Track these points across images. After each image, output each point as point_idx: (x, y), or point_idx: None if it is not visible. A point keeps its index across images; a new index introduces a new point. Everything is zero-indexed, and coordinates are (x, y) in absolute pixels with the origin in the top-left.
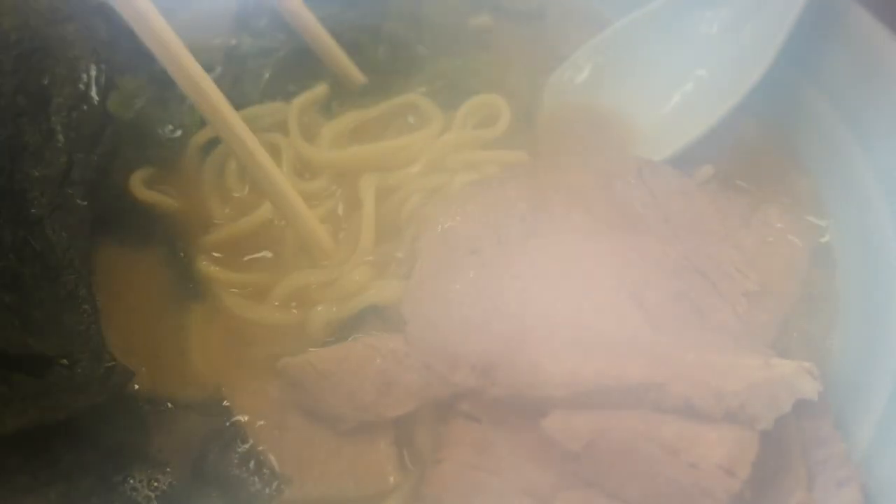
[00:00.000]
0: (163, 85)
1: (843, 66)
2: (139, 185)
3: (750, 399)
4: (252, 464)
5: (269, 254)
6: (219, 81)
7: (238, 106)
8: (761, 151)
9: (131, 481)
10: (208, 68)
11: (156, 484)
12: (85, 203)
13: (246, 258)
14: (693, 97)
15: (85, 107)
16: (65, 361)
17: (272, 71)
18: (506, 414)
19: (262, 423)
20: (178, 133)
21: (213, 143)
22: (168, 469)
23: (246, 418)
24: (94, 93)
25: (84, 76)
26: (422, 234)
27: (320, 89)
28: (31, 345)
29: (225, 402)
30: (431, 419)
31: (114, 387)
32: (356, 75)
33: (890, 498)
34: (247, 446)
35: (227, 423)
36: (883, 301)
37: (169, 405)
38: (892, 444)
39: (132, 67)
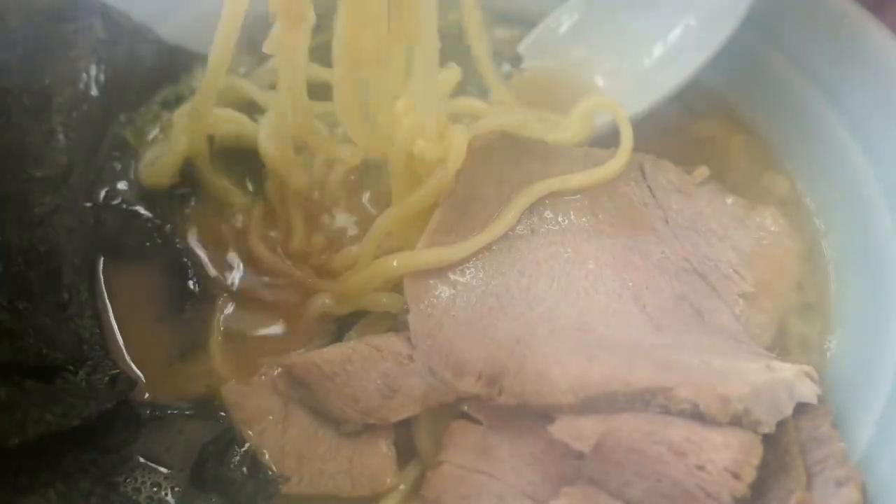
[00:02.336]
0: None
1: (848, 71)
2: None
3: (753, 403)
4: (252, 464)
5: None
6: None
7: None
8: (755, 153)
9: (131, 482)
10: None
11: (156, 485)
12: (86, 205)
13: None
14: (662, 57)
15: (85, 107)
16: (71, 368)
17: None
18: (507, 416)
19: (263, 421)
20: None
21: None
22: (168, 470)
23: (247, 417)
24: (94, 93)
25: (84, 76)
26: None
27: None
28: (46, 354)
29: (225, 403)
30: (432, 421)
31: (118, 394)
32: None
33: (889, 498)
34: (246, 446)
35: (228, 424)
36: (881, 301)
37: (169, 406)
38: (891, 444)
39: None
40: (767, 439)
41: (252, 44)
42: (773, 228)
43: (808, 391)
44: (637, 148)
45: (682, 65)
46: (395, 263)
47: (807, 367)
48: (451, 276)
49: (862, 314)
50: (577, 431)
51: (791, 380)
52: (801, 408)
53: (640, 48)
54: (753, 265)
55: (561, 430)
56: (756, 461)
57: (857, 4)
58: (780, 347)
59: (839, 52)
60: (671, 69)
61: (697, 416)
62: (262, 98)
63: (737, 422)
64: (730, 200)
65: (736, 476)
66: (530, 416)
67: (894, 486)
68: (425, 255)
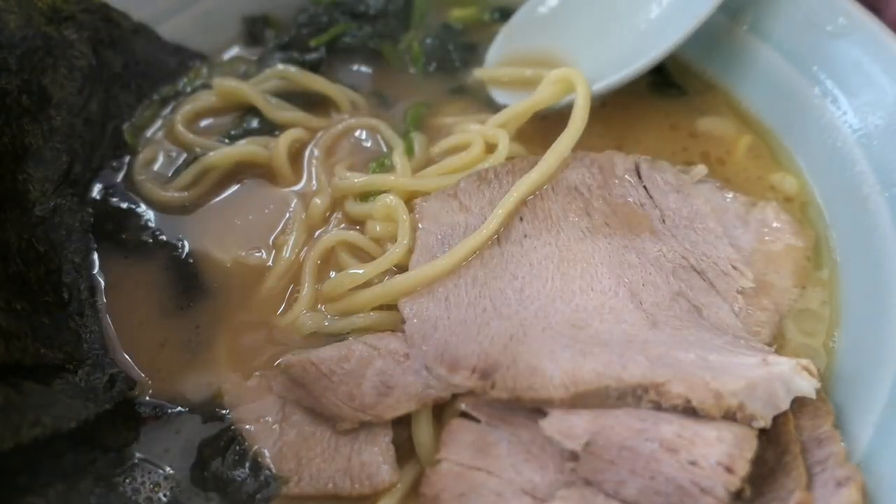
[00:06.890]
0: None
1: (849, 70)
2: None
3: (748, 397)
4: (251, 464)
5: None
6: None
7: None
8: (762, 152)
9: (131, 482)
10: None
11: (156, 485)
12: (85, 204)
13: None
14: (638, 31)
15: (85, 106)
16: (70, 367)
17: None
18: (505, 413)
19: (261, 421)
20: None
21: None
22: (168, 470)
23: (246, 417)
24: (93, 92)
25: (84, 76)
26: (418, 224)
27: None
28: (44, 354)
29: (225, 403)
30: (431, 419)
31: (118, 394)
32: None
33: (890, 498)
34: (245, 447)
35: (227, 424)
36: (883, 300)
37: (169, 406)
38: (892, 444)
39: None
40: (768, 439)
41: (252, 42)
42: (775, 225)
43: (806, 385)
44: (644, 147)
45: (656, 40)
46: (385, 289)
47: (805, 361)
48: (444, 285)
49: (863, 314)
50: (569, 429)
51: (788, 374)
52: (802, 408)
53: (619, 25)
54: (754, 262)
55: (552, 425)
56: (750, 455)
57: (857, 5)
58: (780, 345)
59: (840, 51)
60: (645, 43)
61: (690, 411)
62: (264, 105)
63: (731, 416)
64: (729, 198)
65: (729, 470)
66: (527, 412)
67: (894, 486)
68: (415, 276)
